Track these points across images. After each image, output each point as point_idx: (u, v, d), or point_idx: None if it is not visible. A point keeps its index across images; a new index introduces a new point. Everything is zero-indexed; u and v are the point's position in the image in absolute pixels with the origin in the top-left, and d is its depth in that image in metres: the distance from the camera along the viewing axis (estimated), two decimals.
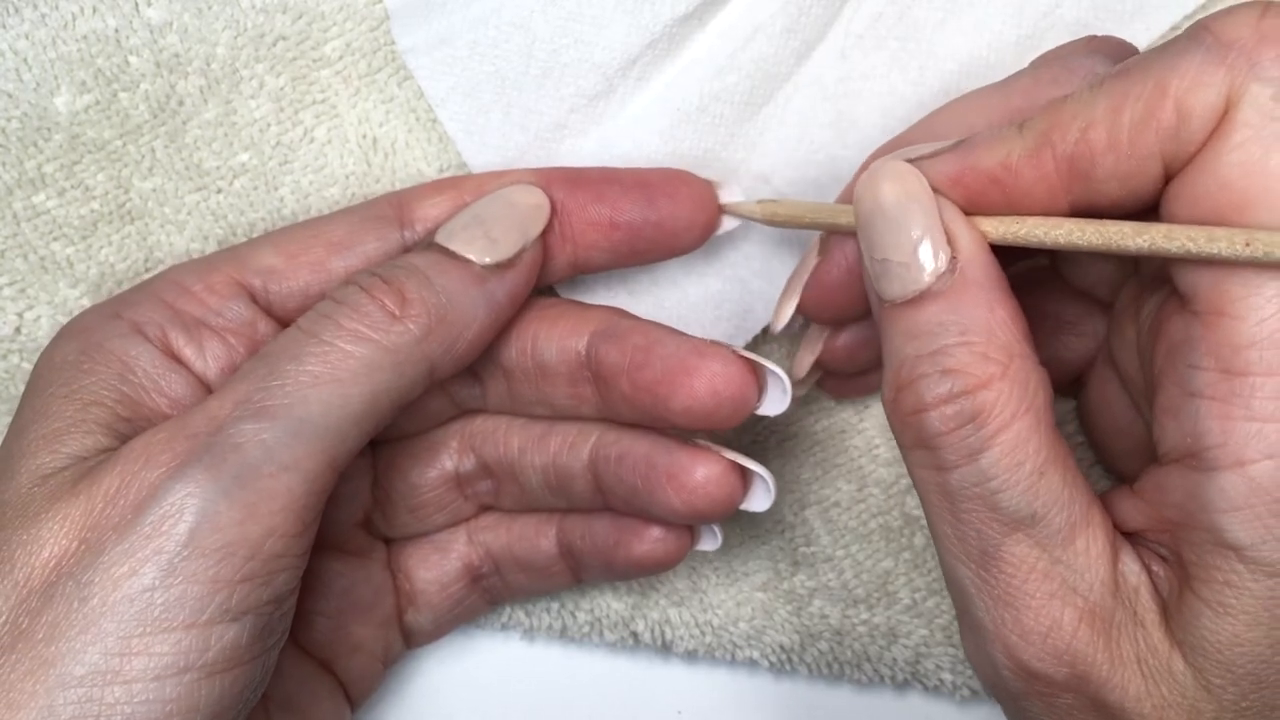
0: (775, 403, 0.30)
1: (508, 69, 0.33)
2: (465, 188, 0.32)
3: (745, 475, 0.31)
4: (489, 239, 0.30)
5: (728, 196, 0.32)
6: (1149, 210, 0.26)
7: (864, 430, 0.36)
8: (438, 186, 0.32)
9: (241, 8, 0.33)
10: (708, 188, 0.32)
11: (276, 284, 0.31)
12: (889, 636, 0.36)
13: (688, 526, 0.33)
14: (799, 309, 0.32)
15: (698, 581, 0.37)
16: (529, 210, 0.31)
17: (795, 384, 0.33)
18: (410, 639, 0.35)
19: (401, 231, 0.32)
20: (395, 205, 0.32)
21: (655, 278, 0.35)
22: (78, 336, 0.30)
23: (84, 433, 0.28)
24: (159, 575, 0.25)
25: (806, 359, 0.33)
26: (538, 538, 0.34)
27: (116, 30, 0.32)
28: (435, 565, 0.35)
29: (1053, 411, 0.26)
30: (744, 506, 0.31)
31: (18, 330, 0.34)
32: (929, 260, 0.26)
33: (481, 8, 0.33)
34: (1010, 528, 0.26)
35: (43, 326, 0.34)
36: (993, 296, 0.26)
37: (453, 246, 0.30)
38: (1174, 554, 0.26)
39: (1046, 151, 0.25)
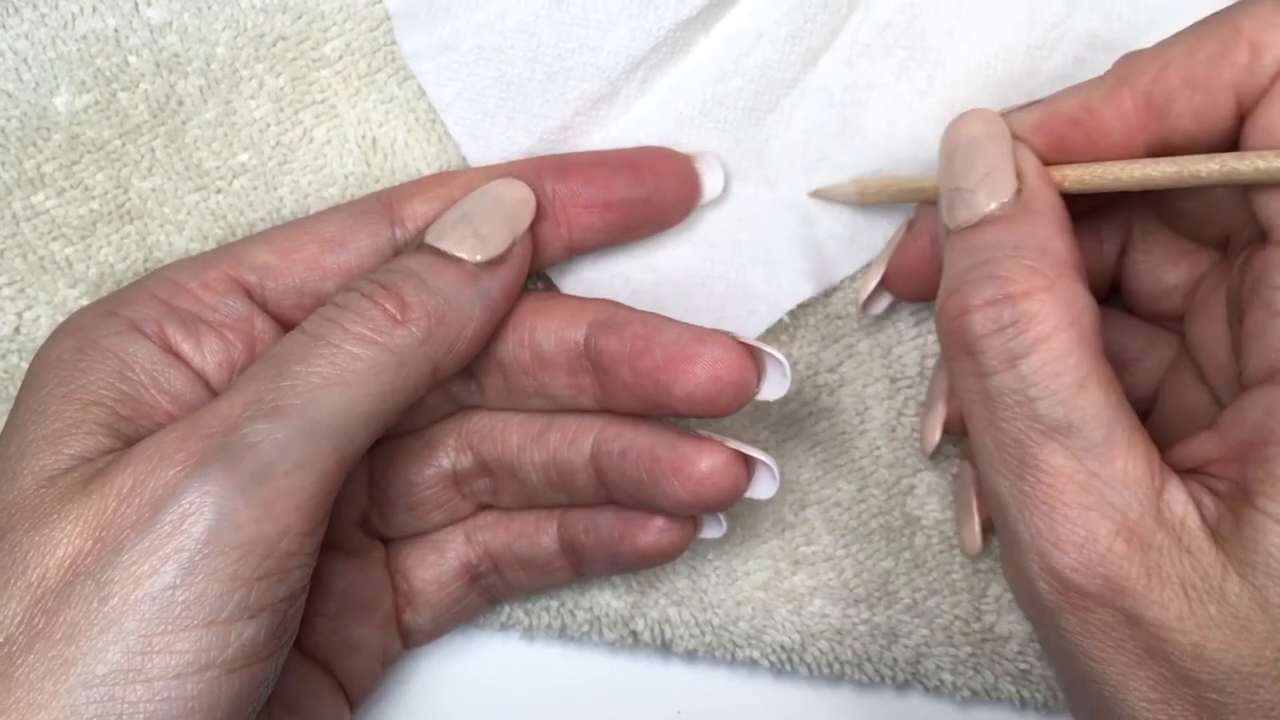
0: (775, 387, 0.30)
1: (512, 73, 0.33)
2: (453, 184, 0.32)
3: (749, 464, 0.31)
4: (478, 236, 0.30)
5: (706, 169, 0.33)
6: (1223, 148, 0.27)
7: (866, 432, 0.36)
8: (426, 184, 0.32)
9: (241, 8, 0.33)
10: (688, 162, 0.33)
11: (272, 281, 0.31)
12: (889, 636, 0.36)
13: (691, 515, 0.33)
14: (884, 284, 0.34)
15: (697, 581, 0.37)
16: (515, 204, 0.31)
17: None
18: (409, 639, 0.35)
19: (392, 228, 0.32)
20: (384, 202, 0.32)
21: (659, 279, 0.35)
22: (74, 335, 0.30)
23: (85, 433, 0.28)
24: (180, 573, 0.25)
25: (936, 422, 0.34)
26: (538, 534, 0.34)
27: (116, 30, 0.32)
28: (433, 565, 0.35)
29: (1100, 338, 0.27)
30: (749, 495, 0.31)
31: (17, 330, 0.34)
32: (996, 188, 0.28)
33: (486, 13, 0.33)
34: (1046, 436, 0.26)
35: (42, 326, 0.34)
36: (1052, 226, 0.28)
37: (443, 246, 0.30)
38: (1238, 483, 0.26)
39: (1124, 90, 0.27)
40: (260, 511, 0.26)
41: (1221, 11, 0.27)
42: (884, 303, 0.35)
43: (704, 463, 0.31)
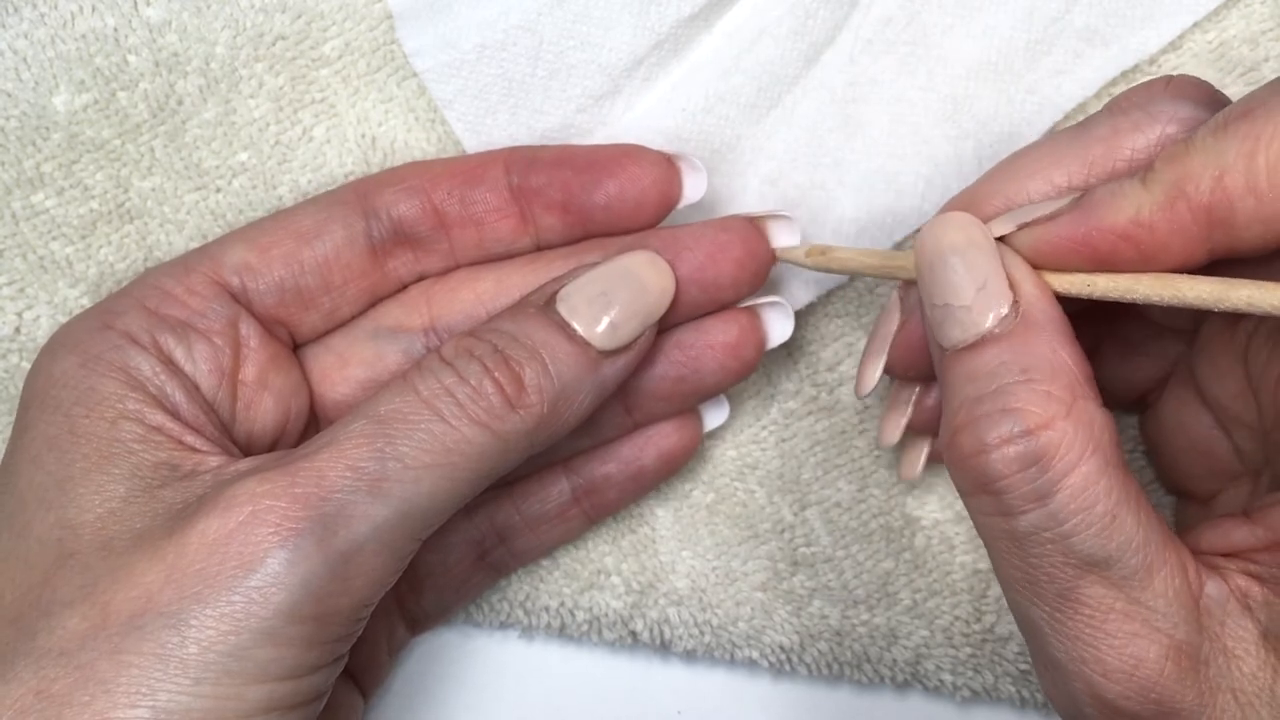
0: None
1: (515, 71, 0.33)
2: (427, 174, 0.32)
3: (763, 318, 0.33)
4: (612, 325, 0.29)
5: (688, 171, 0.32)
6: None
7: (866, 431, 0.36)
8: (400, 174, 0.32)
9: (240, 7, 0.33)
10: (665, 165, 0.32)
11: (253, 280, 0.31)
12: (889, 637, 0.36)
13: (694, 411, 0.35)
14: (885, 369, 0.32)
15: (697, 581, 0.37)
16: (658, 295, 0.30)
17: (902, 466, 0.34)
18: (415, 625, 0.36)
19: (366, 220, 0.32)
20: (358, 193, 0.32)
21: None
22: (73, 351, 0.29)
23: (127, 451, 0.28)
24: (258, 637, 0.25)
25: (898, 421, 0.33)
26: (545, 489, 0.35)
27: (115, 29, 0.32)
28: (437, 547, 0.35)
29: (1120, 451, 0.25)
30: (772, 343, 0.33)
31: (17, 330, 0.34)
32: (990, 303, 0.26)
33: (488, 10, 0.33)
34: (1083, 571, 0.25)
35: (42, 326, 0.34)
36: (1056, 339, 0.26)
37: (574, 323, 0.29)
38: None
39: (1181, 203, 0.25)
40: (341, 587, 0.26)
41: (1270, 99, 0.24)
42: (882, 384, 0.33)
43: (735, 328, 0.32)
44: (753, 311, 0.33)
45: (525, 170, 0.32)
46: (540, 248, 0.33)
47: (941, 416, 0.27)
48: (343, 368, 0.33)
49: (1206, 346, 0.30)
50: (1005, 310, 0.26)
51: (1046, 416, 0.25)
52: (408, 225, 0.32)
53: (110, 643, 0.25)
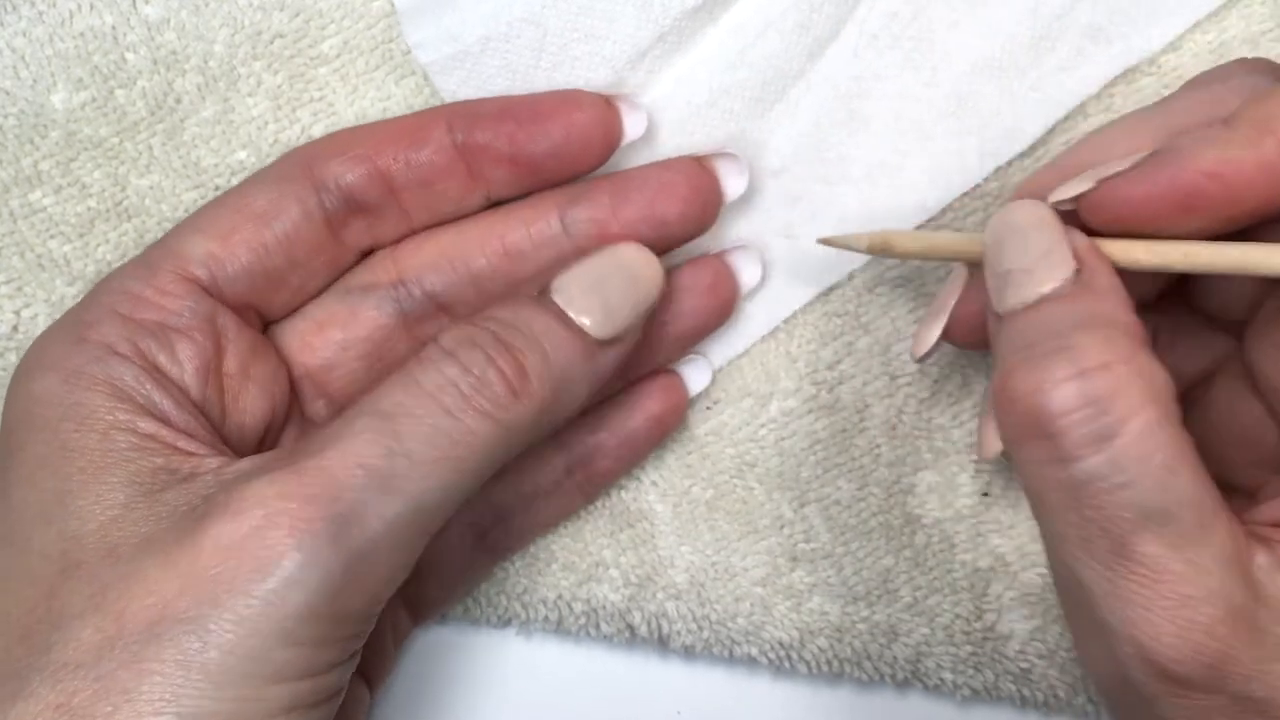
0: (735, 185, 0.33)
1: (518, 63, 0.33)
2: (370, 140, 0.32)
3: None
4: (606, 312, 0.30)
5: (627, 110, 0.32)
6: None
7: (866, 430, 0.36)
8: (343, 142, 0.32)
9: (239, 5, 0.33)
10: (604, 107, 0.32)
11: (221, 270, 0.31)
12: (889, 634, 0.36)
13: (677, 375, 0.35)
14: (944, 335, 0.31)
15: (695, 575, 0.37)
16: (648, 284, 0.31)
17: (982, 444, 0.32)
18: (418, 613, 0.36)
19: (317, 194, 0.31)
20: (303, 166, 0.32)
21: None
22: (53, 368, 0.29)
23: (124, 459, 0.28)
24: (278, 638, 0.25)
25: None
26: (539, 464, 0.35)
27: (114, 27, 0.32)
28: (436, 532, 0.35)
29: (1179, 411, 0.25)
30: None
31: (15, 329, 0.34)
32: (1053, 269, 0.26)
33: (492, 3, 0.33)
34: (1139, 525, 0.24)
35: (39, 324, 0.34)
36: (1118, 302, 0.26)
37: (570, 313, 0.29)
38: None
39: (1269, 139, 0.25)
40: (357, 585, 0.26)
41: None
42: (938, 350, 0.32)
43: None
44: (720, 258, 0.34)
45: (469, 127, 0.32)
46: (491, 201, 0.33)
47: (992, 376, 0.27)
48: (319, 332, 0.33)
49: (1266, 330, 0.30)
50: (1068, 275, 0.26)
51: (1108, 358, 0.24)
52: (358, 193, 0.32)
53: (129, 652, 0.25)
